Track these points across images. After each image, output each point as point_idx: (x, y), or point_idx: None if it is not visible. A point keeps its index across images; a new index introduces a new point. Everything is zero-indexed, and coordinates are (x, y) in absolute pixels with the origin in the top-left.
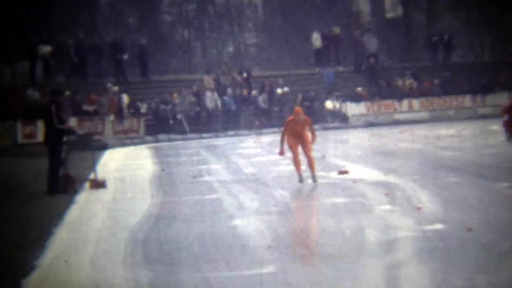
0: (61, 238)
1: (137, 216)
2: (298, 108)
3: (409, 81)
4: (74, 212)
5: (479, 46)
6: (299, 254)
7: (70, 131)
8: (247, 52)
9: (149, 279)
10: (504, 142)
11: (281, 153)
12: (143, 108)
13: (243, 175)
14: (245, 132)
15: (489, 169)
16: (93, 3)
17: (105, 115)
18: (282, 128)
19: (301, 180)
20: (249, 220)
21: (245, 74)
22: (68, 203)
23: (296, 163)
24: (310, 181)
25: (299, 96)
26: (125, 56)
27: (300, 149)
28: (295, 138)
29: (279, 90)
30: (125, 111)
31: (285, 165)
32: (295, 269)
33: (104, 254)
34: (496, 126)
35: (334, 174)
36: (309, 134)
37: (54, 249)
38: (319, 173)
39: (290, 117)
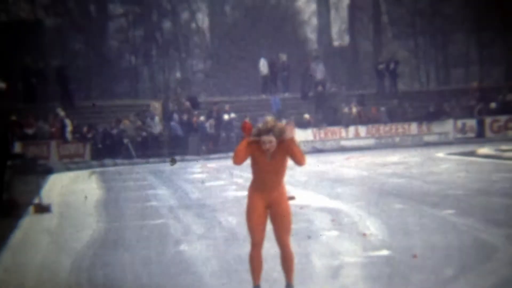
0: (4, 263)
1: (82, 241)
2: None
3: (355, 108)
4: (17, 237)
5: (425, 74)
6: (245, 280)
7: (20, 156)
8: (194, 78)
9: None
10: (448, 169)
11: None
12: (89, 133)
13: (189, 200)
14: (192, 157)
15: (433, 196)
16: (39, 28)
17: (49, 139)
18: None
19: None
20: (195, 245)
21: (188, 103)
22: (11, 228)
23: (255, 261)
24: None
25: None
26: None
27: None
28: (260, 192)
29: (226, 116)
30: (69, 135)
31: (232, 191)
32: None
33: (48, 280)
34: (441, 154)
35: None
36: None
37: None
38: None
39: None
